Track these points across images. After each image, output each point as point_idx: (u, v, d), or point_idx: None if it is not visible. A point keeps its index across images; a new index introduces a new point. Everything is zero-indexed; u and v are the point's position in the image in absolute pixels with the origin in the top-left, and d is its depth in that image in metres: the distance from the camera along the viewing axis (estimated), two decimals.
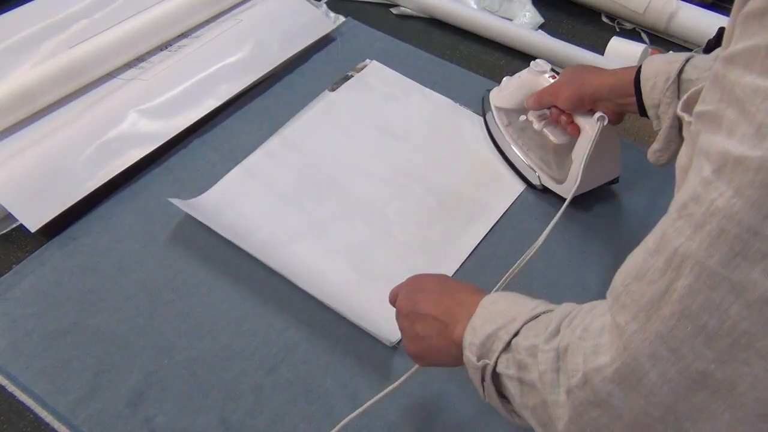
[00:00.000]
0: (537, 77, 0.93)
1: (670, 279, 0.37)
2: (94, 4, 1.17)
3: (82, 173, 0.93)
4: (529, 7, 1.30)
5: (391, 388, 0.68)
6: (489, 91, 1.04)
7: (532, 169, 0.97)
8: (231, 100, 1.08)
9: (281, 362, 0.79)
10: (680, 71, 0.74)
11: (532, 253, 0.71)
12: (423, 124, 1.09)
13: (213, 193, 0.96)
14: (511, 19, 1.28)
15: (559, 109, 0.89)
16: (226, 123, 1.06)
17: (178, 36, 1.16)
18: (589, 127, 0.85)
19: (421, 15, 1.29)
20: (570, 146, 0.90)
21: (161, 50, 1.13)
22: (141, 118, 1.00)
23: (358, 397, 0.76)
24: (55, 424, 0.73)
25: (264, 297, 0.85)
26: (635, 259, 0.41)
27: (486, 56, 1.22)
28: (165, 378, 0.77)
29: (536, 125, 0.94)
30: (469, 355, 0.55)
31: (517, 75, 0.99)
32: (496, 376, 0.53)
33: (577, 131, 0.88)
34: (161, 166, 0.99)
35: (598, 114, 0.84)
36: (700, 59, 0.75)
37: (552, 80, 0.91)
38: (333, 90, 1.12)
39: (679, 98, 0.74)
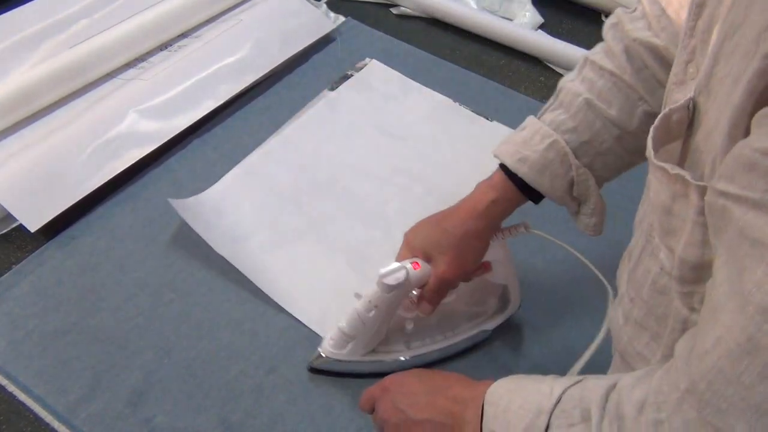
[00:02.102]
0: (390, 294, 0.71)
1: None
2: (94, 4, 1.17)
3: (82, 173, 0.93)
4: (529, 7, 1.30)
5: None
6: (314, 353, 0.77)
7: (476, 333, 0.82)
8: (231, 100, 1.08)
9: (281, 362, 0.79)
10: (567, 145, 0.68)
11: (595, 345, 0.66)
12: (423, 124, 1.09)
13: (212, 192, 0.96)
14: (511, 19, 1.28)
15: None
16: (226, 123, 1.06)
17: (178, 36, 1.16)
18: (501, 252, 0.76)
19: (421, 15, 1.29)
20: (476, 289, 0.81)
21: (161, 50, 1.13)
22: (141, 118, 1.00)
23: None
24: (55, 424, 0.73)
25: (264, 297, 0.85)
26: (717, 362, 0.40)
27: (486, 56, 1.22)
28: (165, 378, 0.77)
29: (427, 310, 0.75)
30: None
31: (361, 309, 0.73)
32: None
33: (486, 266, 0.78)
34: (161, 166, 0.99)
35: (503, 236, 0.75)
36: (559, 119, 0.69)
37: (417, 269, 0.71)
38: (333, 89, 1.12)
39: (592, 169, 0.69)
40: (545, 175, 0.69)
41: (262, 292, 0.85)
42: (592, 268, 0.72)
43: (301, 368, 0.79)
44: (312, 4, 1.24)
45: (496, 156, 0.72)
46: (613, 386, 0.48)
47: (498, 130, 1.08)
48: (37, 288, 0.84)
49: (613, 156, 0.69)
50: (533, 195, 0.71)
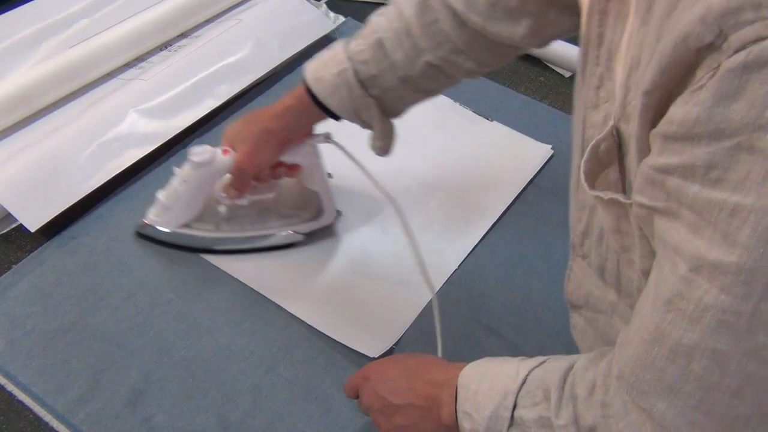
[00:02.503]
0: (199, 170, 0.81)
1: (682, 364, 0.42)
2: (94, 4, 1.17)
3: (82, 173, 0.93)
4: None
5: None
6: (138, 220, 0.88)
7: (287, 232, 0.90)
8: (231, 100, 1.08)
9: (280, 362, 0.79)
10: (356, 75, 0.74)
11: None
12: (422, 124, 1.09)
13: None
14: None
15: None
16: (226, 123, 1.06)
17: (178, 36, 1.16)
18: (309, 156, 0.84)
19: None
20: (288, 189, 0.88)
21: (161, 50, 1.13)
22: (141, 118, 1.00)
23: None
24: (54, 423, 0.73)
25: (263, 297, 0.85)
26: (635, 348, 0.45)
27: None
28: (164, 377, 0.77)
29: (244, 201, 0.86)
30: None
31: (175, 183, 0.84)
32: None
33: (294, 168, 0.85)
34: (161, 166, 0.99)
35: (308, 142, 0.83)
36: (358, 48, 0.75)
37: (225, 155, 0.80)
38: None
39: (381, 100, 0.77)
40: (335, 97, 0.76)
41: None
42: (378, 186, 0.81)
43: (301, 368, 0.79)
44: (312, 4, 1.24)
45: (303, 70, 0.79)
46: (570, 367, 0.53)
47: (498, 130, 1.08)
48: (37, 288, 0.84)
49: (400, 92, 0.76)
50: (328, 112, 0.78)
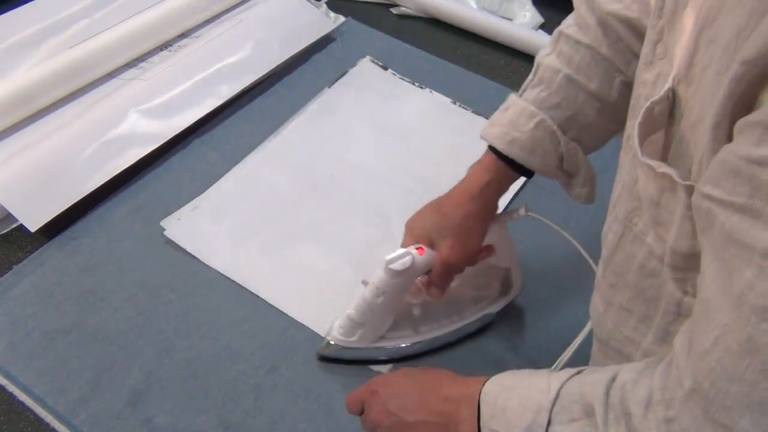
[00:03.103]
0: (396, 279, 0.73)
1: None
2: (94, 4, 1.17)
3: (82, 173, 0.93)
4: (529, 7, 1.30)
5: None
6: (322, 342, 0.79)
7: (481, 315, 0.83)
8: (231, 100, 1.08)
9: (281, 362, 0.79)
10: (554, 122, 0.69)
11: (579, 342, 0.68)
12: (422, 124, 1.09)
13: (210, 195, 0.95)
14: (511, 19, 1.28)
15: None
16: (226, 123, 1.06)
17: (178, 36, 1.16)
18: (502, 235, 0.78)
19: (421, 15, 1.29)
20: (480, 272, 0.81)
21: (161, 50, 1.13)
22: (141, 118, 1.00)
23: None
24: (55, 423, 0.73)
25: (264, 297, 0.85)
26: (719, 361, 0.41)
27: (486, 56, 1.22)
28: (165, 378, 0.77)
29: (436, 294, 0.76)
30: None
31: (369, 295, 0.74)
32: None
33: (490, 250, 0.78)
34: (161, 166, 0.99)
35: (504, 219, 0.77)
36: (541, 96, 0.70)
37: (422, 255, 0.72)
38: (331, 87, 1.12)
39: (578, 141, 0.71)
40: (536, 154, 0.70)
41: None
42: (582, 252, 0.74)
43: (301, 368, 0.79)
44: (312, 4, 1.24)
45: (483, 138, 0.74)
46: (612, 380, 0.48)
47: None
48: (38, 288, 0.84)
49: (597, 127, 0.71)
50: (525, 171, 0.73)
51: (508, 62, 1.21)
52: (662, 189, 0.47)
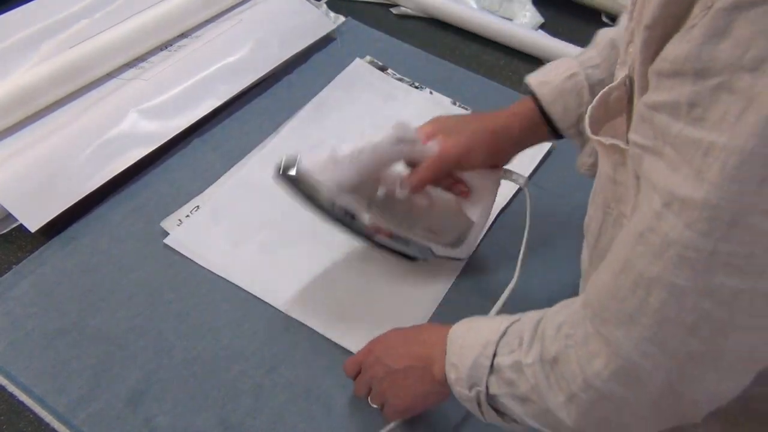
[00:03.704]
0: (395, 146, 0.74)
1: (642, 295, 0.43)
2: (94, 4, 1.17)
3: (82, 173, 0.93)
4: (529, 7, 1.30)
5: None
6: (291, 157, 0.74)
7: (423, 245, 0.84)
8: (231, 100, 1.08)
9: (281, 362, 0.79)
10: (587, 79, 0.73)
11: (510, 290, 0.76)
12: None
13: (210, 195, 0.95)
14: (511, 19, 1.28)
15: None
16: (226, 123, 1.06)
17: (178, 36, 1.16)
18: (490, 187, 0.79)
19: (421, 15, 1.29)
20: (448, 206, 0.82)
21: (161, 50, 1.13)
22: (141, 118, 1.00)
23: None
24: (54, 424, 0.73)
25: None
26: (604, 278, 0.47)
27: (486, 56, 1.22)
28: (165, 378, 0.77)
29: (399, 193, 0.77)
30: (460, 389, 0.59)
31: (362, 145, 0.75)
32: (491, 399, 0.58)
33: (465, 190, 0.79)
34: (161, 166, 0.99)
35: (502, 173, 0.79)
36: (588, 55, 0.74)
37: (426, 144, 0.75)
38: (331, 87, 1.12)
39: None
40: (559, 103, 0.73)
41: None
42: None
43: (301, 368, 0.79)
44: (312, 4, 1.24)
45: (525, 81, 0.77)
46: (545, 314, 0.55)
47: None
48: (37, 288, 0.84)
49: None
50: (551, 126, 0.75)
51: (508, 62, 1.21)
52: (615, 164, 0.52)
